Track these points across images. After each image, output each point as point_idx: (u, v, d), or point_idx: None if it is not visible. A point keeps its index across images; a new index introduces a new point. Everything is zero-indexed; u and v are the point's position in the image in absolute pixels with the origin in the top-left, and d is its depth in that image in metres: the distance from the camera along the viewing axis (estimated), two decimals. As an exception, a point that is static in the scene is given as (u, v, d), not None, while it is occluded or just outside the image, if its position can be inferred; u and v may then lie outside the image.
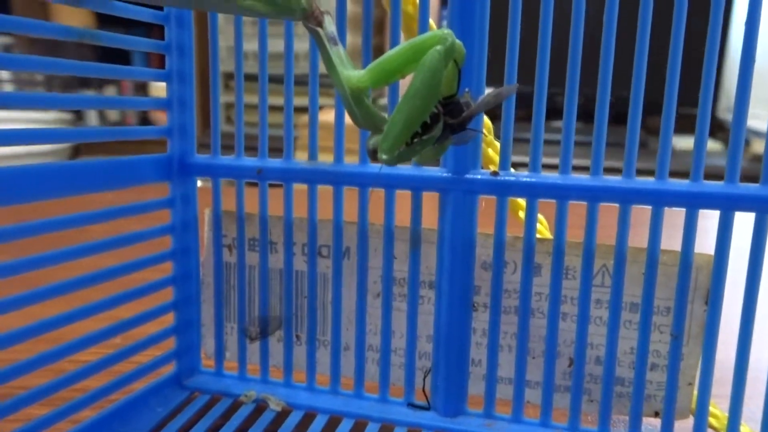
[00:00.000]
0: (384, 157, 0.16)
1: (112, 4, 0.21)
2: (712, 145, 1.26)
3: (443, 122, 0.16)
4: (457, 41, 0.16)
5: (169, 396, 0.24)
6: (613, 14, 0.20)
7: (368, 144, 0.18)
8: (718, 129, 1.32)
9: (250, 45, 0.24)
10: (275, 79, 0.24)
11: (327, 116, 0.23)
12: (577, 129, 0.21)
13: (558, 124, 0.21)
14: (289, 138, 0.24)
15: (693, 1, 0.19)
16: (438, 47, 0.15)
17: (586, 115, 0.22)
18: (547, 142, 0.21)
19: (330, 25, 0.19)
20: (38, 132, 0.19)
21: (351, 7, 0.22)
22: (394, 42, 0.22)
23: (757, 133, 1.14)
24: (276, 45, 0.24)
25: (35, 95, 0.19)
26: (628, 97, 0.20)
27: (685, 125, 0.26)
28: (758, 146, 1.17)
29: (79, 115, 1.56)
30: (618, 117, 0.21)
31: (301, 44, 0.24)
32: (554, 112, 0.22)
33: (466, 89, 0.17)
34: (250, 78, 0.23)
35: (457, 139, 0.17)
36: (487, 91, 0.21)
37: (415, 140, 0.16)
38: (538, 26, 0.20)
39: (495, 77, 0.22)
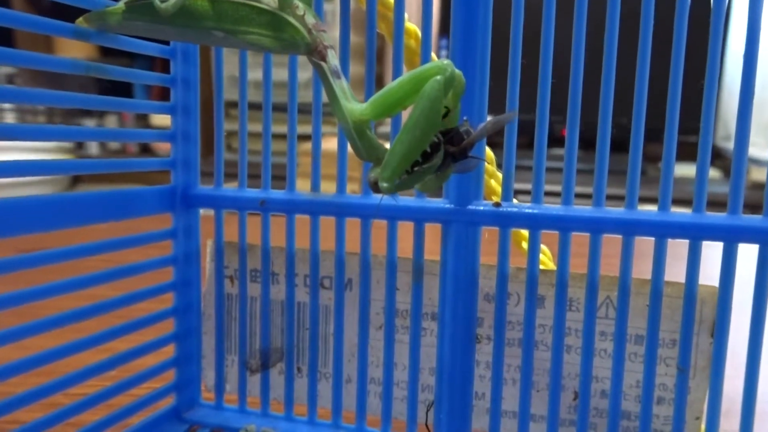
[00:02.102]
0: (384, 185, 0.16)
1: (120, 39, 0.21)
2: (711, 173, 1.26)
3: (444, 151, 0.16)
4: (457, 71, 0.16)
5: (168, 430, 0.24)
6: (613, 40, 0.20)
7: (370, 176, 0.18)
8: (716, 157, 1.33)
9: (251, 74, 0.24)
10: (277, 108, 0.24)
11: (328, 144, 0.23)
12: (578, 157, 0.21)
13: (559, 152, 0.21)
14: (292, 170, 0.24)
15: (689, 30, 0.19)
16: (438, 77, 0.16)
17: (586, 142, 0.22)
18: (548, 170, 0.21)
19: (333, 59, 0.19)
20: (41, 164, 0.19)
21: (352, 38, 0.23)
22: (396, 76, 0.22)
23: (756, 161, 1.14)
24: (277, 74, 0.24)
25: (38, 128, 0.19)
26: (627, 124, 0.20)
27: (683, 153, 0.26)
28: (757, 174, 1.17)
29: (79, 143, 1.57)
30: (618, 145, 0.21)
31: (303, 73, 0.24)
32: (555, 140, 0.22)
33: (465, 117, 0.17)
34: (252, 107, 0.23)
35: (458, 168, 0.17)
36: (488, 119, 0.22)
37: (416, 169, 0.17)
38: (539, 56, 0.20)
39: (496, 107, 0.22)
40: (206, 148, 0.25)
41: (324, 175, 0.24)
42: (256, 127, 0.23)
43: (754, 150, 1.13)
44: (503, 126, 0.16)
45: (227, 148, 0.26)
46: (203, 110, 0.25)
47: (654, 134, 0.20)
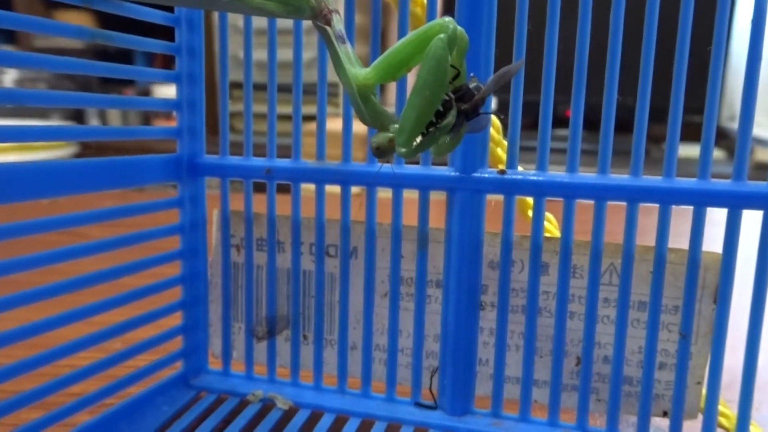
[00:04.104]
0: (402, 150, 0.16)
1: (122, 5, 0.21)
2: (716, 153, 1.26)
3: (456, 109, 0.16)
4: (459, 27, 0.16)
5: (175, 395, 0.24)
6: (619, 22, 0.20)
7: (373, 142, 0.18)
8: (720, 137, 1.33)
9: (255, 54, 0.24)
10: (281, 89, 0.24)
11: (331, 125, 0.24)
12: (582, 137, 0.21)
13: (563, 132, 0.21)
14: (297, 137, 0.24)
15: (696, 11, 0.19)
16: (441, 35, 0.15)
17: (590, 123, 0.22)
18: (552, 150, 0.21)
19: (338, 23, 0.19)
20: (44, 130, 0.19)
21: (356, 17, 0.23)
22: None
23: (760, 142, 1.14)
24: (281, 54, 0.24)
25: (39, 93, 0.19)
26: (632, 105, 0.20)
27: (688, 133, 0.26)
28: (761, 154, 1.17)
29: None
30: (621, 125, 0.21)
31: (307, 53, 0.24)
32: (559, 120, 0.22)
33: (471, 74, 0.17)
34: (256, 87, 0.24)
35: (471, 126, 0.17)
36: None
37: (431, 130, 0.17)
38: (544, 37, 0.20)
39: (501, 89, 0.22)
40: (210, 128, 0.25)
41: (328, 155, 0.24)
42: (260, 108, 0.23)
43: (759, 130, 1.12)
44: (512, 76, 0.16)
45: (231, 129, 0.26)
46: (207, 94, 0.25)
47: (660, 114, 0.20)
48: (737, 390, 0.20)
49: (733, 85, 1.24)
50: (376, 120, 0.18)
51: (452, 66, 0.16)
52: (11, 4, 1.35)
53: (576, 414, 0.22)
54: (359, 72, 0.18)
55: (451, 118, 0.16)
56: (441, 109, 0.16)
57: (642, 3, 0.20)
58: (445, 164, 0.22)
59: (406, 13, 0.22)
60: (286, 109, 0.24)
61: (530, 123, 0.22)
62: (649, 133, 0.20)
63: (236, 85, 0.24)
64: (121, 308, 0.22)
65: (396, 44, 0.17)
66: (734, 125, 0.20)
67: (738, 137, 0.19)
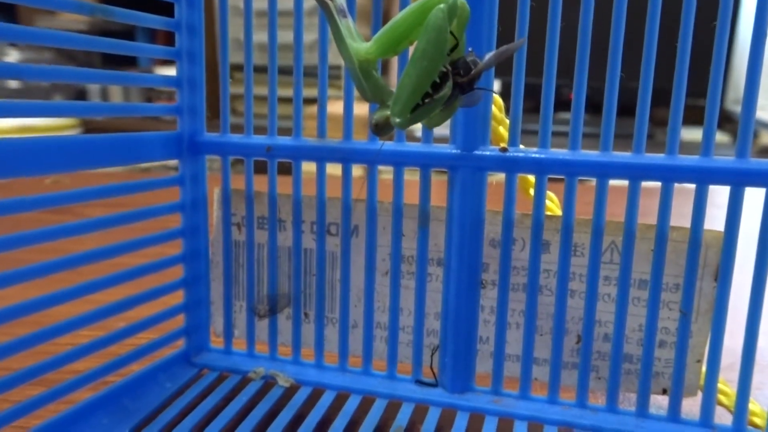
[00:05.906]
0: (396, 120, 0.16)
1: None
2: (721, 137, 1.25)
3: (452, 81, 0.16)
4: None
5: (177, 373, 0.25)
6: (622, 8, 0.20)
7: (372, 118, 0.18)
8: (725, 120, 1.32)
9: (256, 36, 0.24)
10: (282, 70, 0.24)
11: (332, 107, 0.23)
12: (584, 121, 0.21)
13: (566, 116, 0.21)
14: (298, 115, 0.24)
15: None
16: (441, 5, 0.15)
17: (593, 107, 0.21)
18: (555, 134, 0.21)
19: (340, -3, 0.19)
20: (45, 105, 0.19)
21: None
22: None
23: (765, 125, 1.13)
24: (281, 36, 0.24)
25: (42, 68, 0.19)
26: (635, 88, 0.20)
27: (692, 117, 0.26)
28: (766, 138, 1.16)
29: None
30: (625, 109, 0.21)
31: (307, 35, 0.24)
32: (562, 103, 0.22)
33: (470, 48, 0.17)
34: (257, 69, 0.23)
35: (467, 100, 0.17)
36: (496, 85, 0.21)
37: (426, 101, 0.16)
38: (547, 19, 0.20)
39: (504, 70, 0.21)
40: (212, 113, 0.25)
41: (329, 138, 0.23)
42: (260, 90, 0.23)
43: (764, 114, 1.12)
44: (511, 54, 0.16)
45: (232, 112, 0.26)
46: (209, 76, 0.25)
47: (663, 97, 0.20)
48: (738, 372, 0.20)
49: (739, 69, 1.23)
50: (377, 95, 0.18)
51: (451, 33, 0.16)
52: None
53: (576, 392, 0.22)
54: (361, 46, 0.18)
55: (446, 90, 0.16)
56: (437, 80, 0.16)
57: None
58: (446, 142, 0.22)
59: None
60: (287, 92, 0.24)
61: (532, 106, 0.21)
62: (654, 116, 0.20)
63: (237, 68, 0.24)
64: (123, 286, 0.22)
65: (397, 16, 0.17)
66: (739, 108, 0.19)
67: (741, 114, 0.19)
